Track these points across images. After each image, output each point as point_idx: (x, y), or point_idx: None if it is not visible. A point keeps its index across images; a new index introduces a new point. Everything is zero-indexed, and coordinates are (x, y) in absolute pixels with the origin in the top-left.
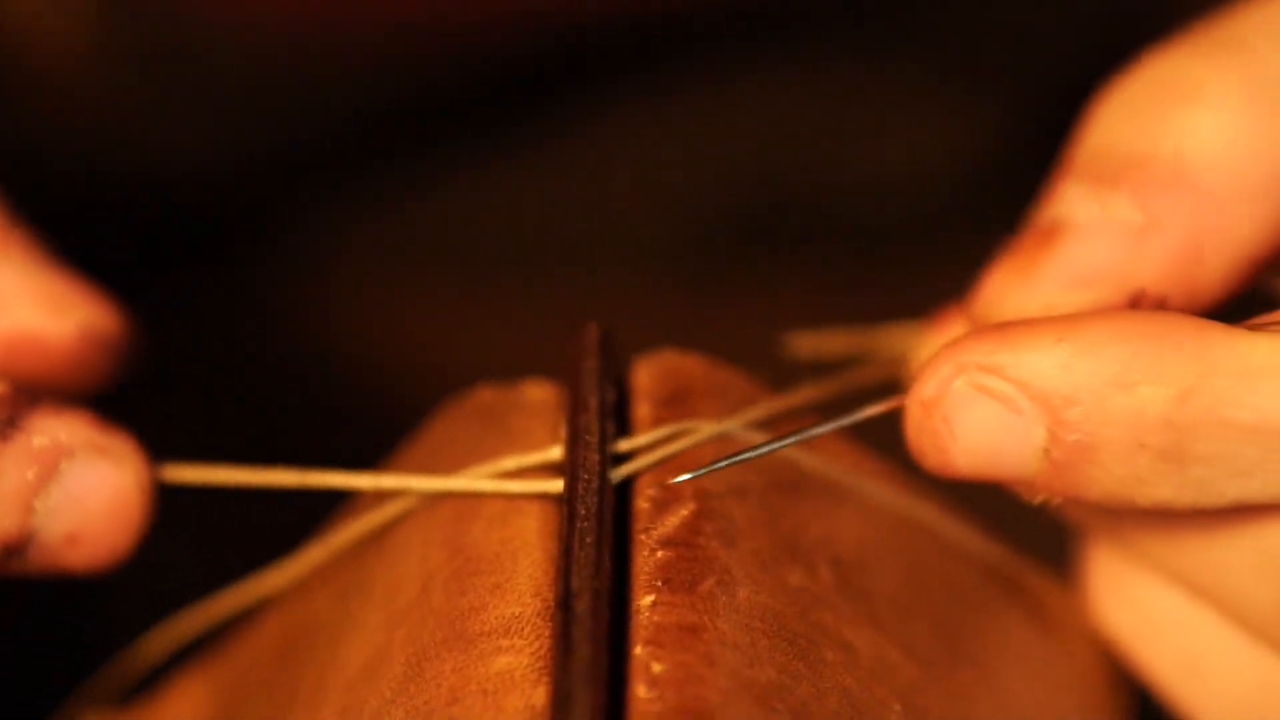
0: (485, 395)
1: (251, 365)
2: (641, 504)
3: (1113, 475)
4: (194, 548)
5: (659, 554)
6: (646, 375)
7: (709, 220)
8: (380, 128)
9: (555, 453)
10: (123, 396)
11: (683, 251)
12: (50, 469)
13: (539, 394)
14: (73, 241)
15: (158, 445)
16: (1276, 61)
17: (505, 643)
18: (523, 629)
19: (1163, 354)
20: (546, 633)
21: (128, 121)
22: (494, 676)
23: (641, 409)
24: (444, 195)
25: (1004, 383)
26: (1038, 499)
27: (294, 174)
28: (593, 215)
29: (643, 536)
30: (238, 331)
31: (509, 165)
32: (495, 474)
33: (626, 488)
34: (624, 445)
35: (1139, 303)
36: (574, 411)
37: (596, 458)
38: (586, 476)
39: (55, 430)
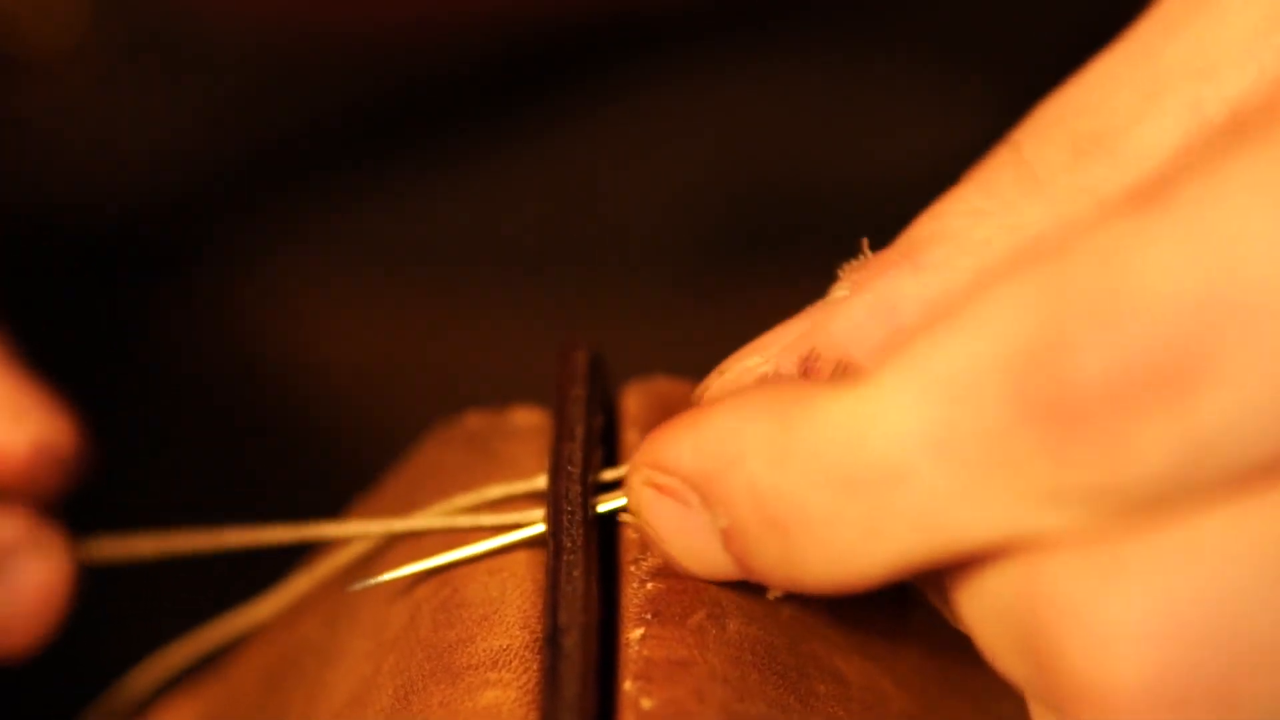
0: (473, 421)
1: (235, 370)
2: (630, 534)
3: (772, 556)
4: (182, 578)
5: (649, 586)
6: (636, 401)
7: (703, 220)
8: (368, 128)
9: (540, 482)
10: (100, 414)
11: (676, 252)
12: None
13: (527, 419)
14: (58, 239)
15: (135, 465)
16: None
17: (493, 676)
18: (510, 662)
19: (760, 423)
20: (535, 666)
21: (115, 115)
22: (481, 710)
23: (631, 435)
24: (431, 198)
25: (666, 476)
26: (770, 595)
27: (277, 174)
28: (584, 215)
29: (632, 568)
30: (216, 338)
31: (498, 166)
32: (480, 503)
33: (615, 517)
34: (610, 475)
35: (808, 367)
36: (559, 440)
37: (579, 489)
38: (570, 509)
39: (1, 530)
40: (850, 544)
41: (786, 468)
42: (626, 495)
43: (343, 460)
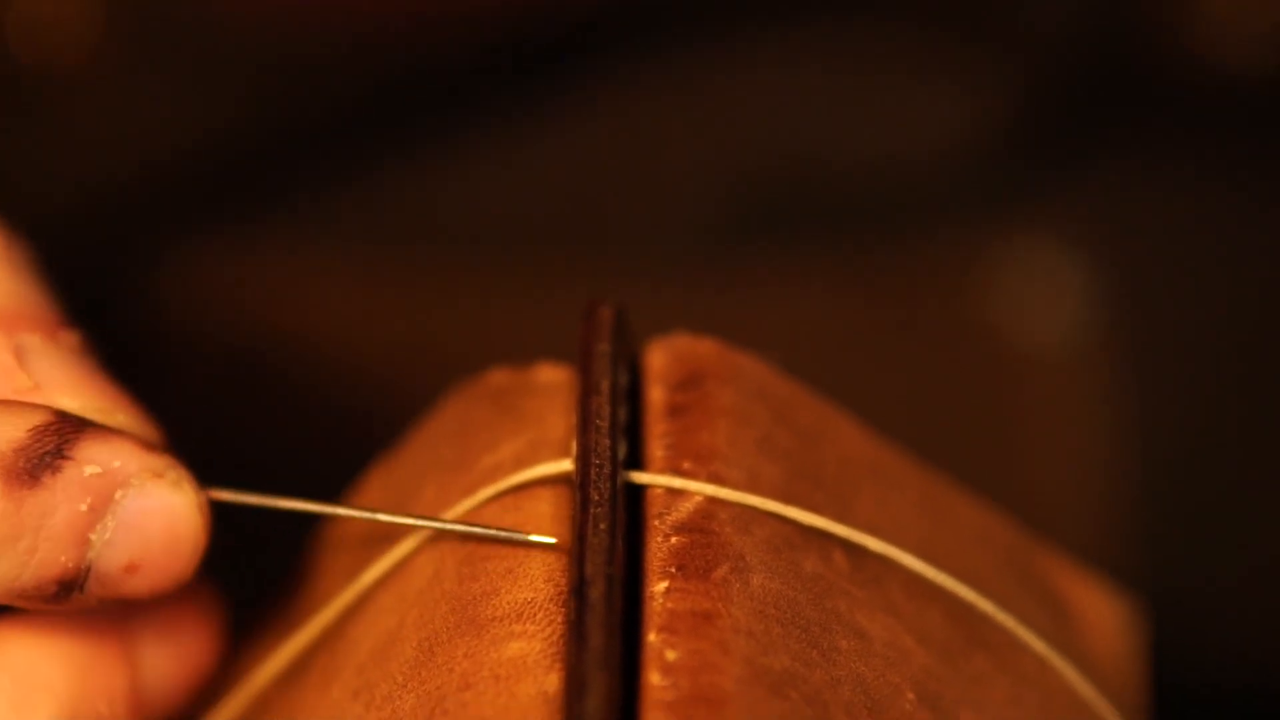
0: (497, 377)
1: (255, 347)
2: (655, 490)
3: None
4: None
5: (673, 540)
6: (660, 358)
7: (714, 200)
8: (384, 110)
9: (562, 434)
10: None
11: (688, 231)
12: (105, 500)
13: (552, 376)
14: (67, 227)
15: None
16: None
17: (518, 628)
18: (535, 614)
19: None
20: (559, 618)
21: (125, 107)
22: (506, 662)
23: (655, 392)
24: (447, 178)
25: None
26: None
27: (294, 157)
28: (596, 196)
29: (656, 522)
30: (242, 315)
31: (516, 147)
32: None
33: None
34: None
35: None
36: (585, 395)
37: (608, 442)
38: (598, 461)
39: (106, 458)
40: None
41: None
42: None
43: (357, 439)
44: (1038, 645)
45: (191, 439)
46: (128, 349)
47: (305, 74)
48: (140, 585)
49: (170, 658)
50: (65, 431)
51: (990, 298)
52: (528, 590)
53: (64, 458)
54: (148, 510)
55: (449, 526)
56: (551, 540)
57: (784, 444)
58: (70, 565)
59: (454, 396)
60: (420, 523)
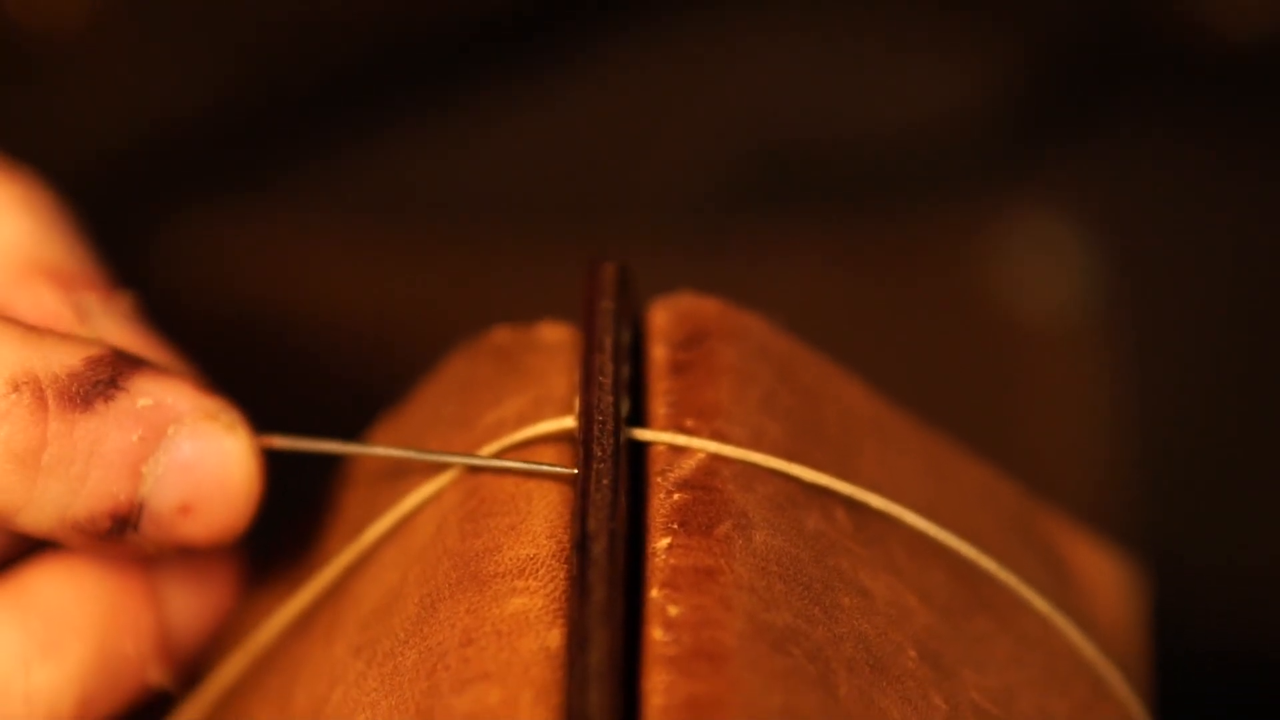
0: (500, 336)
1: (254, 314)
2: (658, 447)
3: None
4: None
5: (675, 496)
6: (663, 317)
7: (717, 171)
8: (382, 77)
9: (564, 392)
10: None
11: (691, 202)
12: (157, 433)
13: (554, 335)
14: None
15: None
16: None
17: (520, 584)
18: (537, 570)
19: None
20: (561, 575)
21: (124, 74)
22: (508, 618)
23: (657, 350)
24: (446, 147)
25: None
26: None
27: (295, 125)
28: (597, 166)
29: (659, 479)
30: (240, 282)
31: (514, 116)
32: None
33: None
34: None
35: None
36: (588, 352)
37: (611, 399)
38: (601, 418)
39: (160, 393)
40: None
41: None
42: None
43: (358, 401)
44: (1040, 605)
45: None
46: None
47: (303, 43)
48: (196, 530)
49: (194, 600)
50: (120, 365)
51: (990, 270)
52: (530, 546)
53: (117, 388)
54: (200, 450)
55: (478, 461)
56: (572, 470)
57: (786, 402)
58: (123, 498)
59: (457, 355)
60: (455, 459)
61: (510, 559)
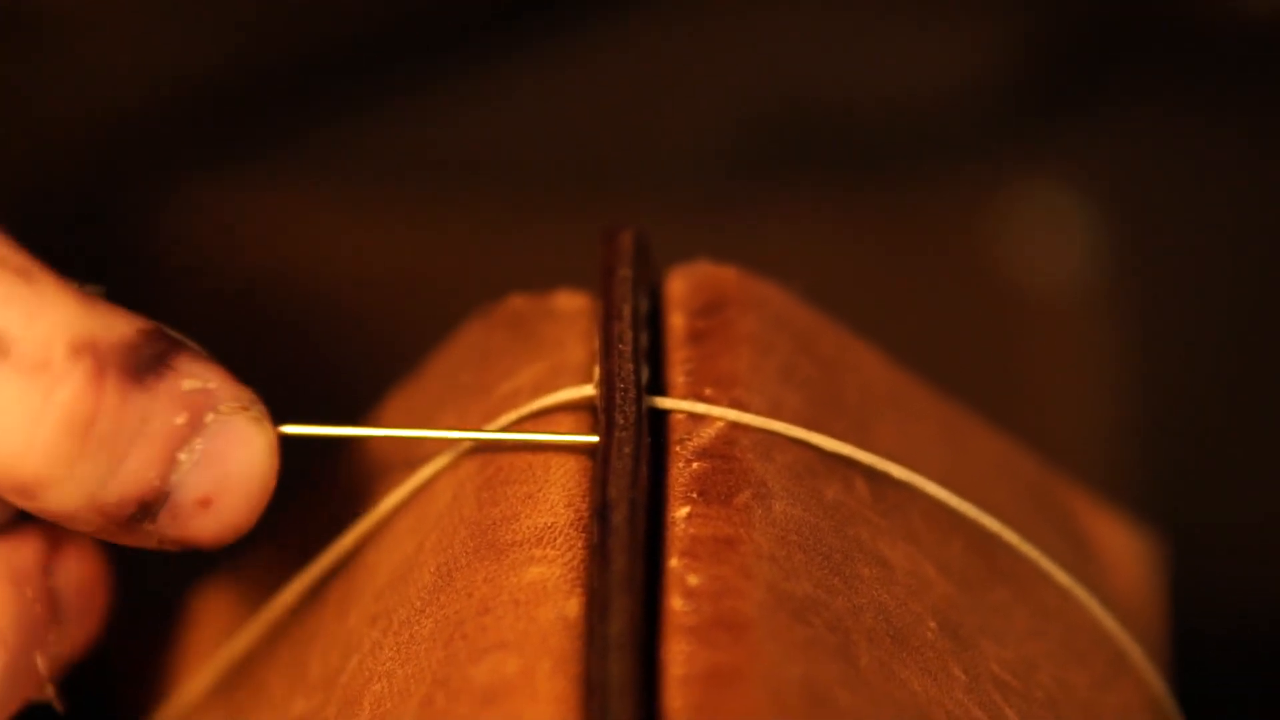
0: (516, 304)
1: (262, 283)
2: (677, 415)
3: None
4: None
5: (695, 465)
6: (680, 285)
7: (725, 140)
8: (390, 43)
9: (581, 360)
10: None
11: (699, 172)
12: (198, 419)
13: (570, 303)
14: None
15: None
16: None
17: (538, 553)
18: (555, 539)
19: None
20: (580, 543)
21: (126, 43)
22: (526, 587)
23: (675, 319)
24: (456, 114)
25: None
26: None
27: (303, 92)
28: (607, 135)
29: (678, 448)
30: (248, 250)
31: (517, 85)
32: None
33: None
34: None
35: None
36: (607, 320)
37: (631, 366)
38: (623, 386)
39: (205, 376)
40: None
41: None
42: None
43: (370, 371)
44: (1061, 577)
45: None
46: (128, 284)
47: (309, 10)
48: (207, 525)
49: (75, 625)
50: (169, 341)
51: (996, 241)
52: (548, 515)
53: (168, 365)
54: (233, 441)
55: (493, 437)
56: (593, 439)
57: (805, 371)
58: (156, 484)
59: (472, 323)
60: (476, 436)
61: (528, 527)
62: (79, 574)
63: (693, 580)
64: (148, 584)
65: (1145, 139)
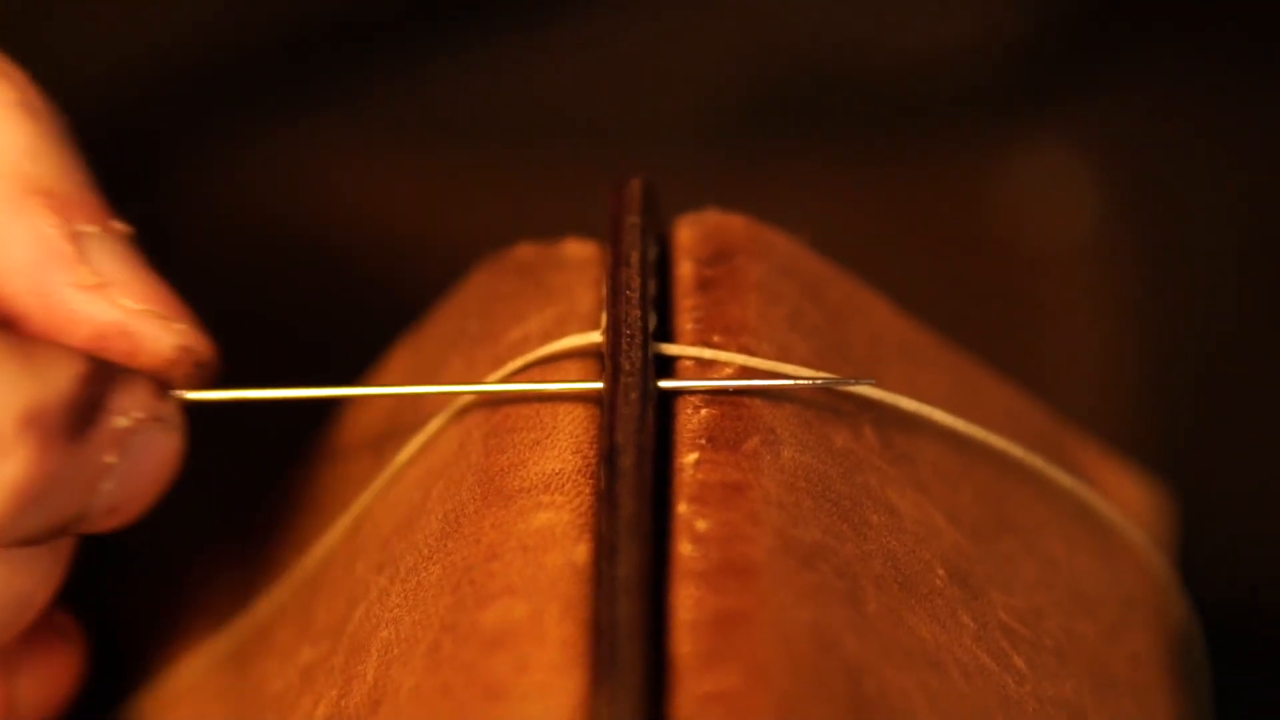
0: (523, 252)
1: (273, 235)
2: (685, 362)
3: None
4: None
5: (703, 411)
6: (688, 233)
7: (733, 98)
8: (402, 2)
9: (589, 308)
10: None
11: (707, 129)
12: (124, 451)
13: (578, 251)
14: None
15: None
16: None
17: (545, 499)
18: (563, 485)
19: None
20: (587, 490)
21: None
22: (534, 533)
23: (683, 267)
24: (468, 68)
25: None
26: None
27: (313, 50)
28: (614, 94)
29: (686, 394)
30: (260, 203)
31: (531, 40)
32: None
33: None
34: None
35: None
36: (615, 267)
37: (638, 313)
38: (629, 332)
39: (131, 408)
40: None
41: None
42: None
43: (380, 319)
44: (1069, 481)
45: (214, 327)
46: (150, 238)
47: None
48: (109, 525)
49: (40, 686)
50: (101, 379)
51: (1003, 199)
52: (555, 462)
53: (100, 409)
54: (148, 454)
55: (495, 389)
56: (597, 385)
57: (813, 320)
58: (77, 511)
59: (479, 271)
60: (473, 389)
61: (535, 474)
62: (44, 670)
63: (701, 525)
64: (157, 542)
65: (1151, 98)
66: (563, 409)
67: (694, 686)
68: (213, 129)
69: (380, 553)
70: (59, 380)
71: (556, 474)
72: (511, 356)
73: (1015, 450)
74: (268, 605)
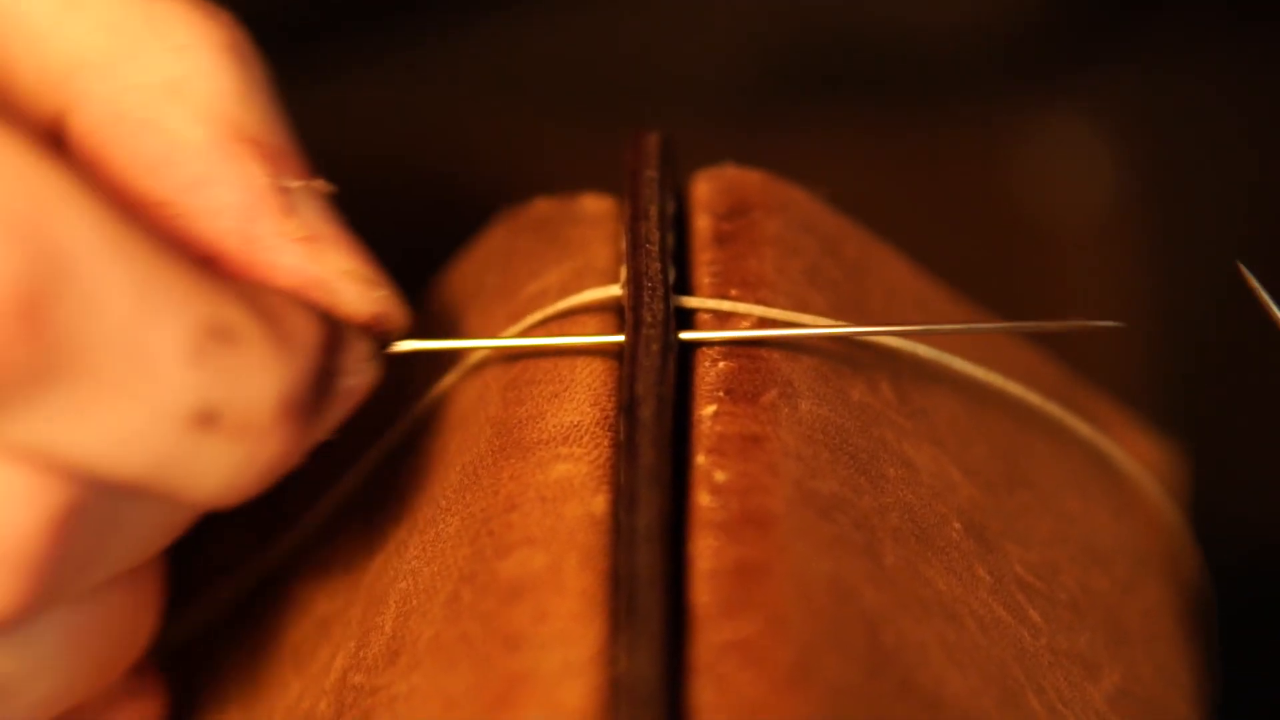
0: (542, 207)
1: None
2: (703, 315)
3: None
4: None
5: (721, 364)
6: (706, 188)
7: (750, 67)
8: None
9: (606, 262)
10: None
11: (723, 97)
12: (345, 407)
13: (596, 206)
14: None
15: None
16: None
17: (564, 450)
18: (581, 437)
19: None
20: (606, 442)
21: None
22: (552, 484)
23: (701, 221)
24: (489, 30)
25: None
26: None
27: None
28: (640, 55)
29: (704, 347)
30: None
31: (565, 5)
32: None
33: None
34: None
35: None
36: (634, 220)
37: (658, 265)
38: (650, 284)
39: (355, 366)
40: None
41: None
42: None
43: (399, 272)
44: (1084, 430)
45: None
46: None
47: None
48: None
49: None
50: (334, 343)
51: (1020, 170)
52: (574, 414)
53: (333, 375)
54: (346, 407)
55: (516, 344)
56: (620, 339)
57: (831, 275)
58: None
59: (498, 226)
60: (491, 343)
61: (554, 425)
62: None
63: (720, 476)
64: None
65: (1169, 70)
66: (580, 362)
67: (713, 635)
68: None
69: (397, 505)
70: (308, 356)
71: (575, 426)
72: (529, 311)
73: (1032, 398)
74: (282, 561)
